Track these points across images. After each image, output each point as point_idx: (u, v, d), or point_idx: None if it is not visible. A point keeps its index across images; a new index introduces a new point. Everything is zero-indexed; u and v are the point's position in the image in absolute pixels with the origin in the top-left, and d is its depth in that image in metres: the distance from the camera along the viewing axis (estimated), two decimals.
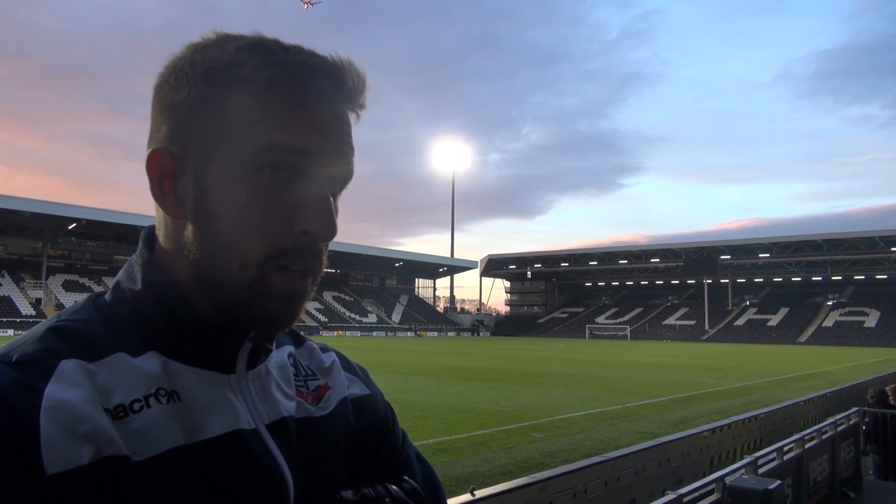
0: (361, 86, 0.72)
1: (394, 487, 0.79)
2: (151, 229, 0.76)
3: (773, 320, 76.08)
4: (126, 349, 0.67)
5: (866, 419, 7.82)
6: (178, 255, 0.71)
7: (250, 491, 0.68)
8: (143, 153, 0.71)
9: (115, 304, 0.72)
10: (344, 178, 0.73)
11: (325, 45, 0.71)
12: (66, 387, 0.61)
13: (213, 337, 0.72)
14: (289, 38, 0.72)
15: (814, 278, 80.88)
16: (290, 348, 0.86)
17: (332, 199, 0.71)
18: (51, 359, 0.62)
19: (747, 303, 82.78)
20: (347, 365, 0.93)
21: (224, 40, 0.70)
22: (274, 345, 0.81)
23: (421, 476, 0.90)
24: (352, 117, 0.73)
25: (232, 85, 0.67)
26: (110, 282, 0.75)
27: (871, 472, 7.88)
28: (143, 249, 0.75)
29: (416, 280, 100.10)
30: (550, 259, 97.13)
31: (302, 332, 0.92)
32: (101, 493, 0.58)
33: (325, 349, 0.92)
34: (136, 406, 0.64)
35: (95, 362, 0.65)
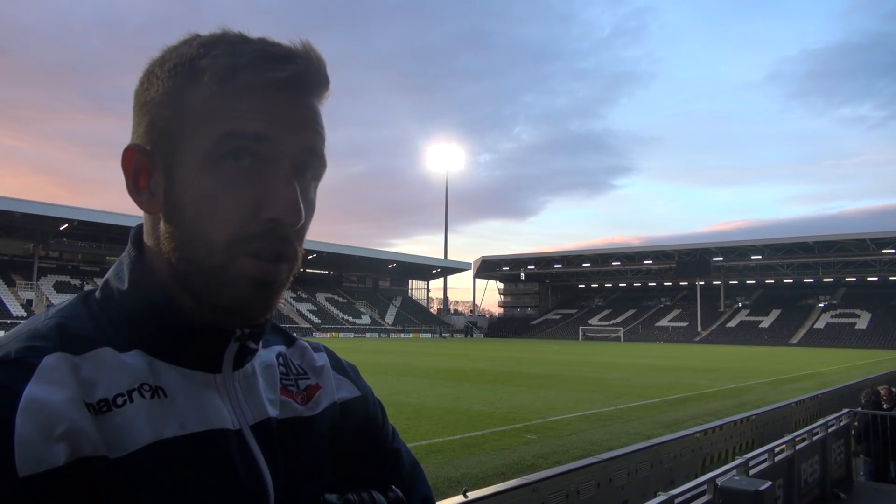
0: (319, 69, 0.72)
1: (379, 496, 0.79)
2: (140, 227, 0.77)
3: (765, 322, 76.37)
4: (112, 344, 0.68)
5: (856, 421, 7.85)
6: (156, 251, 0.72)
7: (229, 492, 0.68)
8: None
9: (103, 303, 0.73)
10: (313, 164, 0.72)
11: (313, 41, 0.72)
12: (47, 385, 0.60)
13: (199, 336, 0.72)
14: (276, 34, 0.72)
15: (805, 280, 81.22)
16: (279, 348, 0.86)
17: (298, 185, 0.70)
18: (33, 357, 0.62)
19: (739, 304, 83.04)
20: (338, 365, 0.93)
21: (192, 38, 0.72)
22: (260, 344, 0.80)
23: (409, 476, 0.91)
24: (318, 102, 0.73)
25: (192, 78, 0.69)
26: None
27: (861, 473, 7.91)
28: (130, 248, 0.75)
29: (410, 281, 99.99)
30: (544, 261, 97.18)
31: (294, 333, 0.92)
32: (76, 494, 0.58)
33: (316, 349, 0.93)
34: (119, 401, 0.64)
35: (80, 355, 0.65)
